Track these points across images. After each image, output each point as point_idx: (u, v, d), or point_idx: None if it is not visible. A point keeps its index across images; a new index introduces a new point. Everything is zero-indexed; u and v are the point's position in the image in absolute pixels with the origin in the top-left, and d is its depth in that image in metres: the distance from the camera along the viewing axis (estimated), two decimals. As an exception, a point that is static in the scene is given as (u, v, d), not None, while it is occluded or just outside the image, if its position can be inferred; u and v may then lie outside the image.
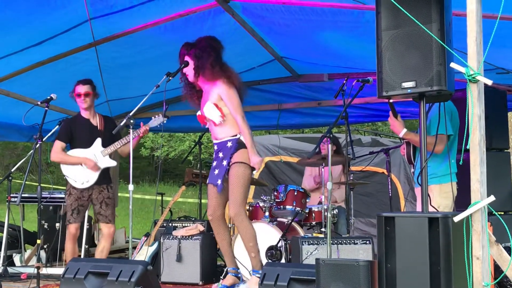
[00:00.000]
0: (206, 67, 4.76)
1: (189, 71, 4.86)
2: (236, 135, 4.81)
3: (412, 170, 4.68)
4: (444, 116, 4.01)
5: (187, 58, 4.84)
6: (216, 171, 4.85)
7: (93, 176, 5.49)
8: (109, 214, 5.56)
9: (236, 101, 4.77)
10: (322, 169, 6.18)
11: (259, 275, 4.68)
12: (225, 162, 4.78)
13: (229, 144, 4.81)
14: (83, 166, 5.48)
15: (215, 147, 4.95)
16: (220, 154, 4.86)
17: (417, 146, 4.30)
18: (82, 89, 5.53)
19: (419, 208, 4.38)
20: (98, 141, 5.55)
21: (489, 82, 2.88)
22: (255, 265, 4.79)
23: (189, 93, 5.05)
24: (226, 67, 4.83)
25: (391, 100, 3.88)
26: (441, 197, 4.15)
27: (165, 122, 5.42)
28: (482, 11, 2.97)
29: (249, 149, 4.73)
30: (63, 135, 5.59)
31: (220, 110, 4.76)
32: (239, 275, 4.89)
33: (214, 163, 4.92)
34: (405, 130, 4.12)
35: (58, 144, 5.56)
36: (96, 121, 5.63)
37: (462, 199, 3.57)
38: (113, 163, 5.61)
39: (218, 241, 5.06)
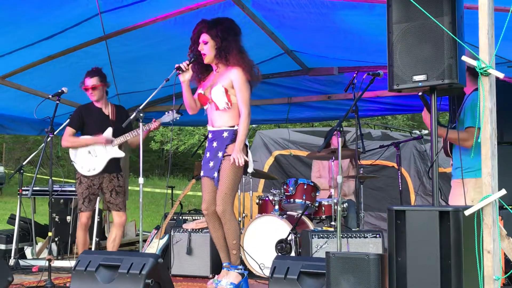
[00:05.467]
0: (232, 51, 4.60)
1: (208, 50, 4.65)
2: (234, 126, 4.63)
3: (450, 162, 4.64)
4: (475, 108, 3.98)
5: (206, 37, 4.63)
6: (211, 163, 4.66)
7: (100, 164, 5.53)
8: (120, 202, 5.59)
9: (247, 94, 4.63)
10: (332, 163, 6.18)
11: (238, 271, 4.68)
12: (220, 154, 4.60)
13: (225, 134, 4.63)
14: (91, 153, 5.52)
15: (210, 135, 4.76)
16: (214, 144, 4.67)
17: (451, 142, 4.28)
18: (90, 82, 5.61)
19: (452, 201, 4.35)
20: (109, 130, 5.59)
21: (501, 75, 2.87)
22: (235, 261, 4.70)
23: (199, 71, 4.81)
24: (247, 56, 4.70)
25: (420, 94, 3.79)
26: (476, 192, 4.10)
27: (178, 118, 5.41)
28: (494, 4, 2.95)
29: (237, 143, 4.54)
30: (74, 122, 5.65)
31: (228, 97, 4.61)
32: (243, 271, 4.79)
33: (208, 154, 4.73)
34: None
35: (69, 130, 5.63)
36: (108, 110, 5.69)
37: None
38: (121, 154, 5.65)
39: (213, 236, 4.77)
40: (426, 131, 7.30)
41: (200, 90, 4.82)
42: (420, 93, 3.77)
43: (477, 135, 4.04)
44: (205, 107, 4.81)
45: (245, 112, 4.61)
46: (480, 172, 4.12)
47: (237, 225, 4.69)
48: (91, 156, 5.53)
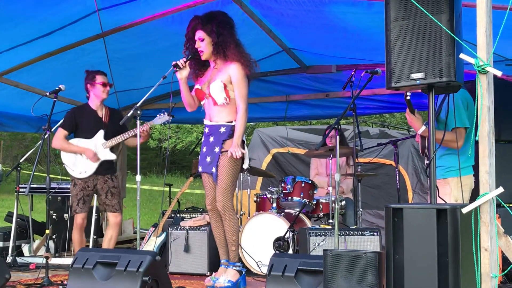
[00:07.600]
0: (229, 45, 4.59)
1: (204, 46, 4.65)
2: (231, 122, 4.64)
3: (426, 161, 4.63)
4: (460, 107, 3.97)
5: (201, 33, 4.63)
6: (209, 159, 4.68)
7: (91, 167, 5.51)
8: (115, 204, 5.58)
9: (245, 89, 4.64)
10: (330, 161, 6.18)
11: (236, 268, 4.70)
12: (217, 149, 4.61)
13: (222, 129, 4.64)
14: (82, 155, 5.50)
15: (206, 130, 4.75)
16: (211, 139, 4.67)
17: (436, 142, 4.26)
18: (106, 79, 5.64)
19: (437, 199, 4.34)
20: (101, 133, 5.56)
21: (499, 73, 2.87)
22: (233, 258, 4.73)
23: (196, 68, 4.81)
24: (245, 49, 4.69)
25: (407, 97, 3.78)
26: (458, 190, 4.10)
27: (170, 121, 5.41)
28: (492, 2, 2.95)
29: (235, 138, 4.55)
30: (67, 124, 5.61)
31: (227, 92, 4.60)
32: (241, 269, 4.79)
33: (204, 149, 4.74)
34: (423, 127, 4.06)
35: (61, 132, 5.59)
36: (102, 113, 5.65)
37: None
38: (112, 156, 5.62)
39: (215, 232, 4.81)
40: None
41: (197, 86, 4.82)
42: (408, 97, 3.76)
43: (465, 135, 4.05)
44: (202, 102, 4.82)
45: (243, 107, 4.62)
46: (463, 170, 4.15)
47: (237, 221, 4.72)
48: (82, 158, 5.51)
